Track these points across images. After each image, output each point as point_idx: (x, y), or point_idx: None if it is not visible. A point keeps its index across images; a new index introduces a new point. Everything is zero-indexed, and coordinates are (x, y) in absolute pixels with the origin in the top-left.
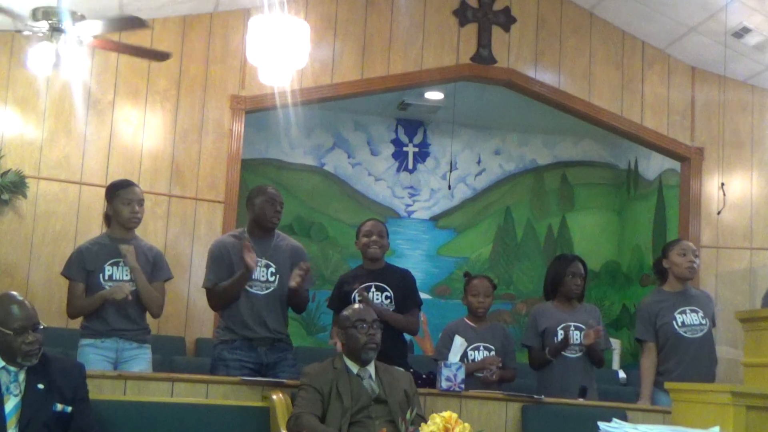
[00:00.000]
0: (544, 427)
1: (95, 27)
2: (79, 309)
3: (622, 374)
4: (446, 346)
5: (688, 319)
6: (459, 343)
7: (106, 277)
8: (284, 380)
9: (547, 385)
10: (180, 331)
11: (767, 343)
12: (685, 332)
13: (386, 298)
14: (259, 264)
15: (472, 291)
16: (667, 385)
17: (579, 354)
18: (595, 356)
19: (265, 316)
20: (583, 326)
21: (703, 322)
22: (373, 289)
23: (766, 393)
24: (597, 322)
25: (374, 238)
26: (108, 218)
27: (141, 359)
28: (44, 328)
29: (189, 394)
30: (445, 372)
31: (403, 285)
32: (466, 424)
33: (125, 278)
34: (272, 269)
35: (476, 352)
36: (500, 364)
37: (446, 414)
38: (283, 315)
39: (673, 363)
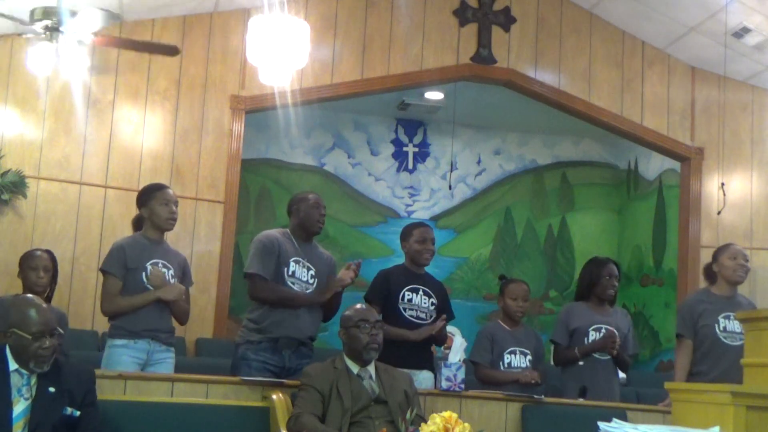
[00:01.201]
0: (544, 427)
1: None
2: (122, 307)
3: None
4: (486, 348)
5: (730, 325)
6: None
7: (149, 276)
8: (284, 380)
9: (573, 384)
10: (180, 331)
11: (767, 343)
12: (725, 338)
13: (432, 305)
14: (301, 264)
15: (510, 295)
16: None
17: (608, 357)
18: (621, 361)
19: (303, 316)
20: (615, 330)
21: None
22: (421, 293)
23: (766, 393)
24: (627, 327)
25: (428, 245)
26: (137, 223)
27: (167, 363)
28: (62, 334)
29: (189, 394)
30: (445, 372)
31: (441, 295)
32: (466, 424)
33: (171, 277)
34: (312, 272)
35: (512, 356)
36: (538, 380)
37: (446, 414)
38: (318, 319)
39: (708, 366)
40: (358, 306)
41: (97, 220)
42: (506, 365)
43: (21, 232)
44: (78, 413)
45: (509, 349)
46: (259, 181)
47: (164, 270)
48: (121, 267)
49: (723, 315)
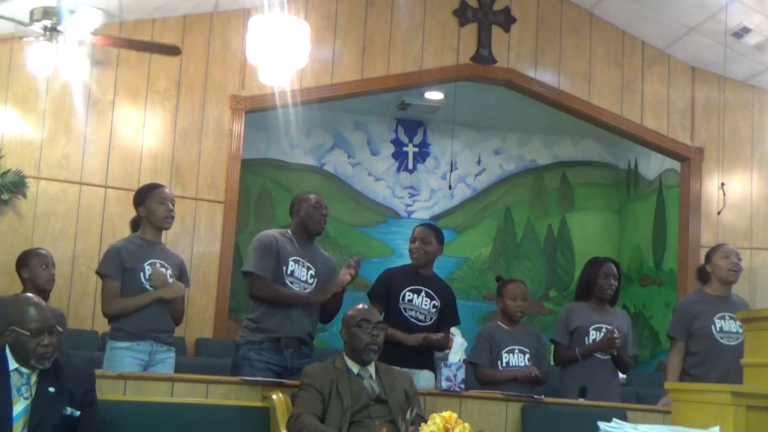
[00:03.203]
0: (544, 427)
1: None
2: (122, 308)
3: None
4: (484, 349)
5: (726, 325)
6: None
7: (147, 276)
8: (284, 380)
9: (572, 384)
10: (180, 331)
11: (767, 343)
12: (722, 338)
13: (434, 307)
14: (301, 264)
15: (509, 295)
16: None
17: (608, 357)
18: (621, 361)
19: (301, 315)
20: (615, 330)
21: (740, 330)
22: (423, 294)
23: (766, 393)
24: (627, 328)
25: (417, 244)
26: (135, 224)
27: (168, 363)
28: (61, 332)
29: (189, 394)
30: (445, 372)
31: (446, 298)
32: (466, 424)
33: (170, 277)
34: (312, 272)
35: (511, 355)
36: (538, 374)
37: (446, 414)
38: (316, 319)
39: (707, 368)
40: (361, 305)
41: (97, 220)
42: (504, 364)
43: (21, 232)
44: (78, 413)
45: (507, 348)
46: (259, 181)
47: (163, 270)
48: (117, 268)
49: (718, 315)
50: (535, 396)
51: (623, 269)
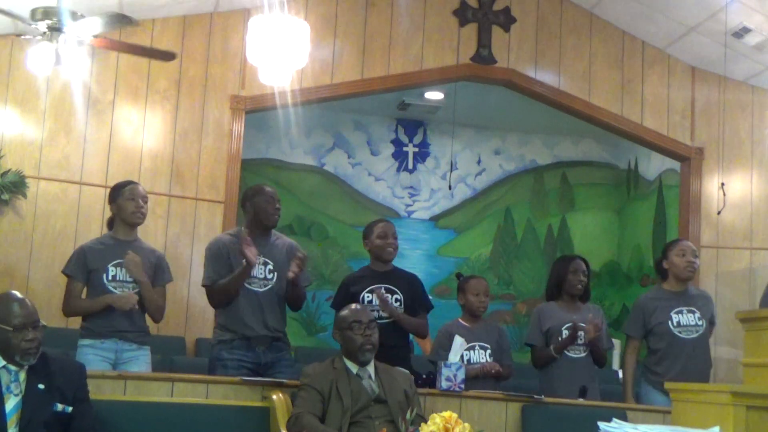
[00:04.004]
0: (544, 427)
1: (93, 25)
2: (78, 309)
3: (622, 374)
4: (443, 347)
5: (684, 319)
6: (459, 343)
7: (110, 278)
8: (284, 380)
9: (551, 385)
10: (180, 331)
11: (767, 343)
12: (680, 332)
13: (396, 301)
14: (257, 261)
15: (472, 291)
16: (668, 385)
17: (583, 354)
18: (597, 356)
19: (264, 313)
20: (581, 323)
21: (700, 323)
22: (382, 291)
23: (766, 393)
24: (601, 322)
25: (390, 240)
26: (111, 222)
27: (140, 360)
28: (44, 326)
29: (189, 394)
30: (445, 372)
31: (411, 288)
32: (466, 424)
33: (128, 280)
34: (270, 266)
35: (472, 351)
36: (499, 369)
37: (446, 414)
38: (282, 313)
39: (668, 363)
40: (353, 306)
41: (97, 220)
42: (465, 361)
43: (21, 232)
44: (70, 409)
45: (467, 346)
46: (260, 181)
47: (138, 260)
48: (81, 269)
49: (675, 310)
50: (535, 396)
51: (623, 269)
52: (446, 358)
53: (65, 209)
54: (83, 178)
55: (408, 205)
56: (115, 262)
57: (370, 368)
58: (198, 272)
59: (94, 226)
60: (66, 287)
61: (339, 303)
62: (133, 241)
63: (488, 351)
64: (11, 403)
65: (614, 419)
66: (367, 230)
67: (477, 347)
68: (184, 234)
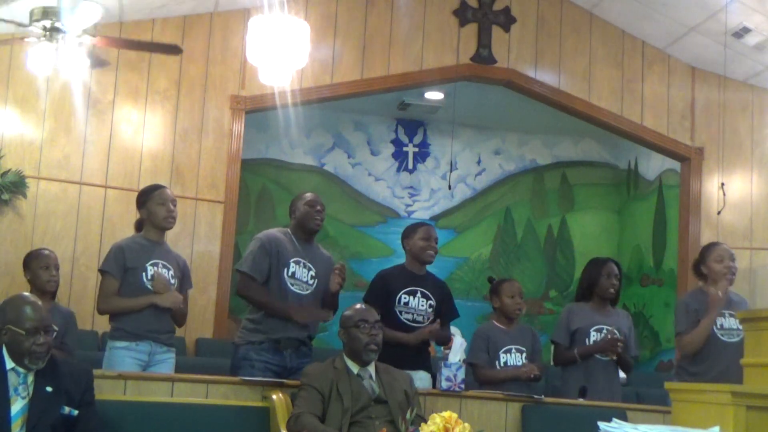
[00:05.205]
0: (544, 427)
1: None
2: (117, 307)
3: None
4: (481, 348)
5: (727, 322)
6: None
7: (149, 277)
8: (284, 380)
9: (573, 384)
10: (180, 331)
11: (767, 343)
12: (723, 335)
13: (430, 307)
14: (302, 265)
15: (507, 293)
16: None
17: (609, 358)
18: (623, 362)
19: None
20: (616, 331)
21: (740, 327)
22: (419, 295)
23: (766, 393)
24: (629, 329)
25: (432, 243)
26: (139, 225)
27: (168, 363)
28: (56, 330)
29: (189, 394)
30: (445, 372)
31: (443, 296)
32: (466, 424)
33: (171, 277)
34: (312, 272)
35: (508, 355)
36: (538, 374)
37: (446, 414)
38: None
39: (708, 365)
40: (358, 306)
41: (97, 220)
42: (502, 364)
43: (21, 232)
44: (76, 412)
45: (505, 348)
46: (259, 181)
47: (164, 270)
48: (119, 267)
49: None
50: (535, 396)
51: (623, 269)
52: (485, 361)
53: (65, 209)
54: (83, 178)
55: (408, 205)
56: (152, 262)
57: (371, 368)
58: (198, 272)
59: (94, 226)
60: (101, 284)
61: (375, 297)
62: (163, 244)
63: (524, 354)
64: (18, 406)
65: (614, 419)
66: (410, 230)
67: (513, 350)
68: (184, 234)
